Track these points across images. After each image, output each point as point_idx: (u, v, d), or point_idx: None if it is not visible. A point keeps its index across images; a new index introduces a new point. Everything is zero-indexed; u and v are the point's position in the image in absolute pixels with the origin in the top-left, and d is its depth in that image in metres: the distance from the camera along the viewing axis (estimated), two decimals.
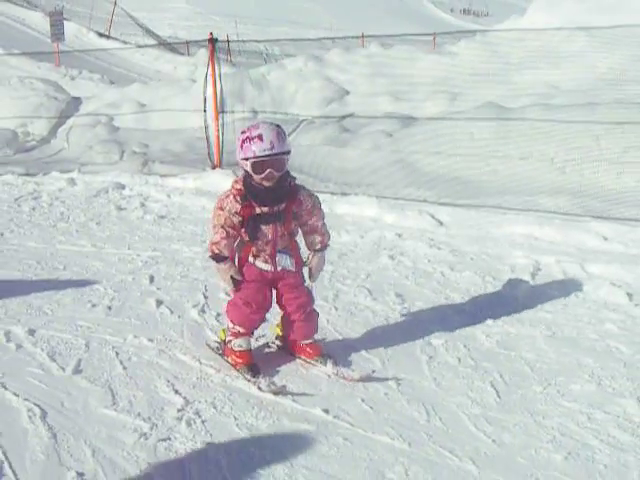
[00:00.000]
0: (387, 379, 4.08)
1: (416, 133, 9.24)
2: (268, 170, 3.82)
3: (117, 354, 4.34)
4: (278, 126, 3.92)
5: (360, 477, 3.18)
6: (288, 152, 3.88)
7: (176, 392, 3.88)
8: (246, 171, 3.92)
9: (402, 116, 9.95)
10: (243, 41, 18.68)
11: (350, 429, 3.55)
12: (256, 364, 4.13)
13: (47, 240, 6.82)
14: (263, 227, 3.96)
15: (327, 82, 12.09)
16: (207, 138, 9.78)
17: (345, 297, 5.42)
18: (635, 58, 9.79)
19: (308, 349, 4.28)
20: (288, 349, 4.40)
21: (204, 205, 8.11)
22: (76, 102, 13.50)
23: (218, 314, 4.98)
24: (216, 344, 4.40)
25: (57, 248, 6.57)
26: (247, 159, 3.83)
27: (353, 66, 12.78)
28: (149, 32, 31.21)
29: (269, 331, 4.53)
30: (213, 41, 9.41)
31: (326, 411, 3.70)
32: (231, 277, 4.03)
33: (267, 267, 4.06)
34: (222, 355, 4.29)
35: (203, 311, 5.08)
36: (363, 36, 19.96)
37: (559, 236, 6.77)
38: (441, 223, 7.32)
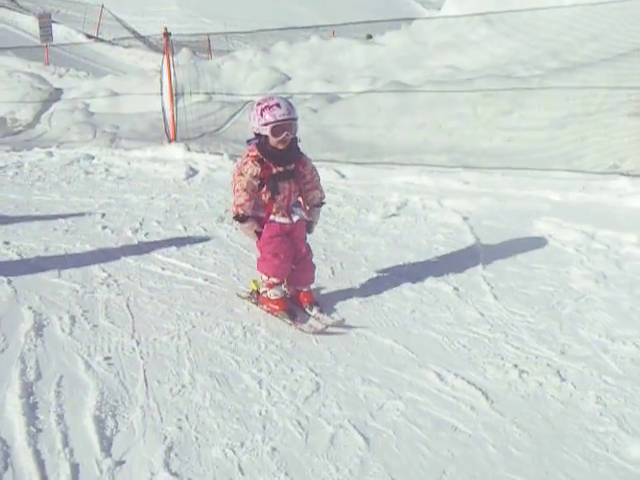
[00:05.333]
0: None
1: (336, 109, 10.90)
2: (285, 132, 4.36)
3: (66, 253, 6.07)
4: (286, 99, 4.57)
5: (217, 310, 4.86)
6: (297, 118, 4.46)
7: (103, 271, 5.60)
8: (263, 136, 4.42)
9: (327, 94, 11.63)
10: (204, 34, 20.36)
11: (218, 289, 5.24)
12: (292, 309, 4.74)
13: (25, 193, 8.46)
14: (280, 184, 4.50)
15: (272, 70, 13.81)
16: (164, 118, 11.48)
17: None
18: (525, 43, 11.44)
19: (303, 296, 4.85)
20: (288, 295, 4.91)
21: (156, 168, 9.82)
22: (58, 92, 15.21)
23: (147, 233, 6.70)
24: (246, 293, 5.02)
25: (32, 199, 8.21)
26: (267, 124, 4.33)
27: (296, 56, 14.47)
28: (135, 34, 32.84)
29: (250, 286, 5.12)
30: (167, 35, 11.12)
31: (206, 279, 5.41)
32: (255, 231, 4.62)
33: (285, 220, 4.60)
34: (256, 304, 4.87)
35: (136, 232, 6.76)
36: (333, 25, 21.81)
37: (431, 182, 8.41)
38: (343, 176, 8.99)
